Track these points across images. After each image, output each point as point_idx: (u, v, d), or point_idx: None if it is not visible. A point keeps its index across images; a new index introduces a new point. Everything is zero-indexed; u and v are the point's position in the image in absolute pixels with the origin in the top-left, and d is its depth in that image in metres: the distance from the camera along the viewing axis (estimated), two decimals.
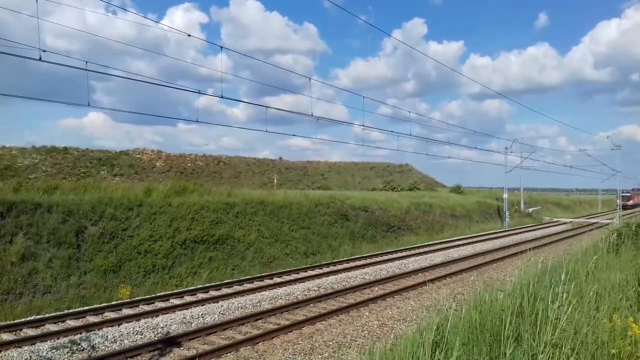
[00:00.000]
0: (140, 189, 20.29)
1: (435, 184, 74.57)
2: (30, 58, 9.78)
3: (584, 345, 4.05)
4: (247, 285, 15.86)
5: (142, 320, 11.51)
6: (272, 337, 10.50)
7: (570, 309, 4.09)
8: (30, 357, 9.00)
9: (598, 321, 4.61)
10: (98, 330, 10.68)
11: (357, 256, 22.51)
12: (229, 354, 9.52)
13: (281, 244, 21.57)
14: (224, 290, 15.12)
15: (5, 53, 9.30)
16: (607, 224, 36.11)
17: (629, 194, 76.17)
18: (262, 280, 16.75)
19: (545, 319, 4.17)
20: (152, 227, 17.81)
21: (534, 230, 38.27)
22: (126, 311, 12.53)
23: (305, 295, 14.51)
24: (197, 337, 10.45)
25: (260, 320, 11.88)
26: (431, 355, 3.87)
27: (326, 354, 9.57)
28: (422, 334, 4.22)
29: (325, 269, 18.97)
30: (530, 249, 25.39)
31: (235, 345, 9.82)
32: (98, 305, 13.00)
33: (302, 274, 17.97)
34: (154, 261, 16.65)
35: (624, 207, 68.01)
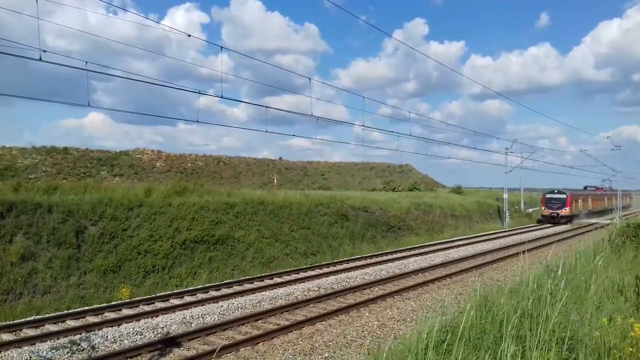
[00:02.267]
0: (140, 189, 20.29)
1: (435, 184, 74.60)
2: (31, 58, 9.78)
3: (584, 346, 4.04)
4: (247, 286, 15.85)
5: (142, 321, 11.50)
6: (272, 338, 10.49)
7: (571, 310, 4.09)
8: (30, 357, 9.00)
9: (599, 321, 4.60)
10: (98, 330, 10.68)
11: (357, 256, 22.50)
12: (229, 354, 9.51)
13: (281, 244, 21.56)
14: (224, 291, 15.11)
15: (5, 53, 9.29)
16: (607, 224, 36.09)
17: (565, 195, 43.74)
18: (262, 281, 16.74)
19: (546, 319, 4.16)
20: (152, 227, 17.80)
21: (534, 230, 38.25)
22: (126, 311, 12.53)
23: (305, 295, 14.50)
24: (197, 338, 10.45)
25: (260, 321, 11.87)
26: (432, 356, 3.87)
27: (326, 354, 9.56)
28: (422, 334, 4.21)
29: (325, 269, 18.96)
30: (530, 249, 25.42)
31: (235, 346, 9.81)
32: (98, 306, 13.00)
33: (302, 274, 17.96)
34: (154, 261, 16.64)
35: (552, 221, 43.40)
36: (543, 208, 44.72)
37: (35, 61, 9.71)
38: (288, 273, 18.15)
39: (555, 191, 44.35)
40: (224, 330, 11.05)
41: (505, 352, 3.66)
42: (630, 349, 4.09)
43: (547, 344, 3.86)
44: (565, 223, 42.52)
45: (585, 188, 58.92)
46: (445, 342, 4.01)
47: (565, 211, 42.98)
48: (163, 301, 13.69)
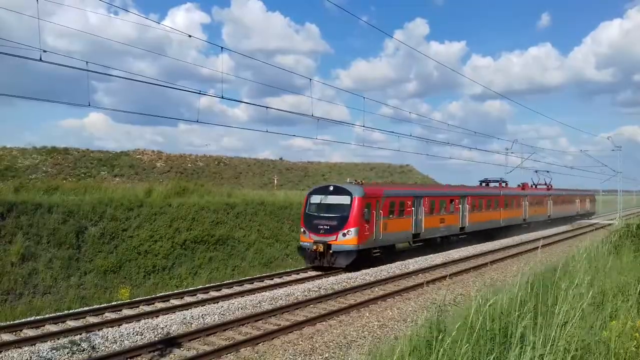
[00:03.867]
0: (141, 190, 20.32)
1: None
2: (31, 58, 9.76)
3: (587, 347, 4.03)
4: (247, 286, 15.84)
5: (142, 321, 11.49)
6: (273, 338, 10.48)
7: (573, 310, 4.08)
8: (31, 357, 8.98)
9: (601, 322, 4.59)
10: (98, 330, 10.67)
11: None
12: (229, 354, 9.50)
13: (281, 245, 21.56)
14: (224, 291, 15.10)
15: (5, 53, 9.28)
16: (608, 225, 35.99)
17: (348, 197, 18.42)
18: (262, 281, 16.73)
19: (549, 319, 4.15)
20: (152, 227, 17.80)
21: (536, 230, 38.18)
22: (126, 312, 12.53)
23: (306, 295, 14.48)
24: (197, 338, 10.44)
25: (261, 321, 11.87)
26: (432, 355, 3.86)
27: (326, 355, 9.55)
28: (423, 334, 4.20)
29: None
30: (531, 249, 25.40)
31: (236, 346, 9.80)
32: (98, 306, 13.00)
33: (302, 275, 17.93)
34: (154, 262, 16.64)
35: (317, 260, 18.18)
36: (302, 230, 19.12)
37: (36, 61, 9.69)
38: (288, 273, 18.13)
39: (331, 188, 19.47)
40: (224, 330, 11.04)
41: (508, 353, 3.65)
42: (634, 350, 4.08)
43: (551, 344, 3.85)
44: (347, 268, 18.08)
45: (484, 183, 35.09)
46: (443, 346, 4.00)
47: (346, 239, 18.00)
48: (163, 301, 13.68)
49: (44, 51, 9.76)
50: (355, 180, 20.95)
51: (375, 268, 18.92)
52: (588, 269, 7.29)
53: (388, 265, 19.86)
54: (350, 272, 17.68)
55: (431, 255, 23.06)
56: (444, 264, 20.58)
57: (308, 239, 18.53)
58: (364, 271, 18.33)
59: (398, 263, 20.51)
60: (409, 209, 21.71)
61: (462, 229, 26.82)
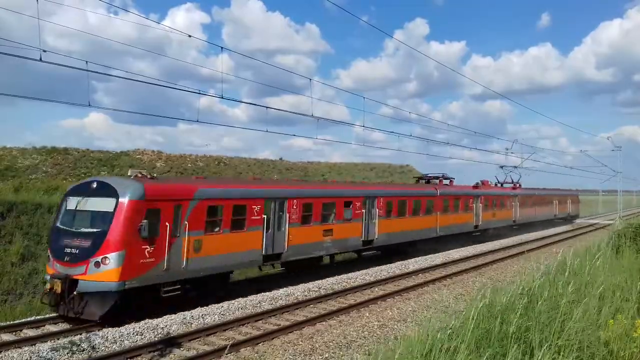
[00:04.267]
0: None
1: None
2: (31, 58, 9.77)
3: (588, 346, 4.03)
4: None
5: (142, 321, 11.47)
6: (273, 338, 10.49)
7: (575, 311, 4.08)
8: (31, 357, 8.98)
9: (602, 322, 4.59)
10: (98, 330, 10.66)
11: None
12: (229, 354, 9.49)
13: None
14: None
15: (5, 54, 9.28)
16: (608, 225, 36.03)
17: (113, 201, 11.46)
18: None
19: (550, 319, 4.15)
20: None
21: (534, 230, 38.18)
22: None
23: (306, 295, 14.48)
24: (197, 338, 10.44)
25: (261, 321, 11.87)
26: (435, 356, 3.86)
27: (326, 355, 9.55)
28: (425, 335, 4.20)
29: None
30: (531, 249, 25.42)
31: (236, 346, 9.80)
32: None
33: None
34: None
35: (60, 307, 11.09)
36: (48, 254, 12.11)
37: (36, 61, 9.70)
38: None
39: (94, 185, 12.16)
40: (224, 330, 11.04)
41: (510, 353, 3.65)
42: (635, 349, 4.08)
43: (553, 344, 3.85)
44: (104, 320, 11.10)
45: (422, 181, 29.40)
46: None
47: (101, 272, 10.94)
48: None
49: (44, 51, 9.78)
50: (141, 172, 13.10)
51: (375, 268, 18.84)
52: (588, 269, 7.28)
53: (388, 265, 19.82)
54: (107, 326, 10.75)
55: (431, 255, 23.05)
56: (444, 264, 20.58)
57: (52, 270, 11.61)
58: (364, 271, 18.25)
59: (398, 263, 20.48)
60: (256, 218, 14.75)
61: (368, 242, 19.95)
